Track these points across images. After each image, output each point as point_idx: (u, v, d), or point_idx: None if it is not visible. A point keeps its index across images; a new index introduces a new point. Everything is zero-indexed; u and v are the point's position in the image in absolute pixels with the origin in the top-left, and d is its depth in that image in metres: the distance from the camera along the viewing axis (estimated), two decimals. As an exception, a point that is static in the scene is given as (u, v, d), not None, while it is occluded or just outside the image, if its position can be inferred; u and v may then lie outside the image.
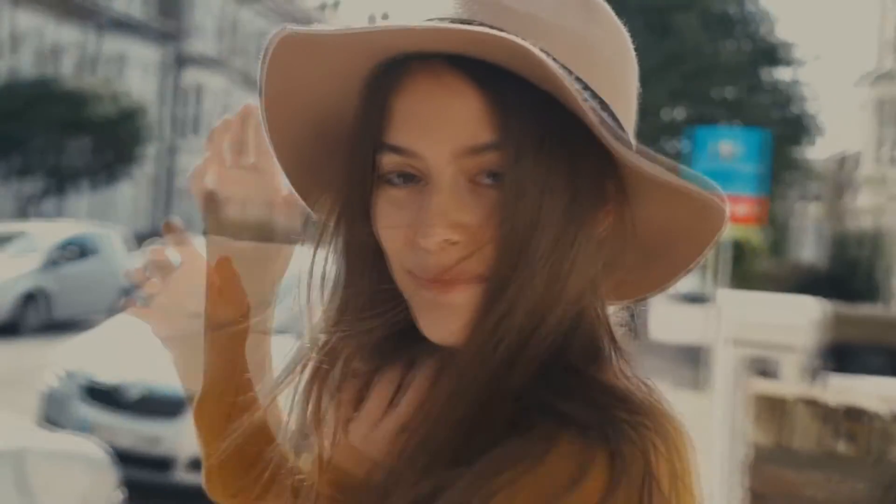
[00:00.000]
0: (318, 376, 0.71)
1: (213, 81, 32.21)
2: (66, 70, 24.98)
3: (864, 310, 10.81)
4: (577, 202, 0.63)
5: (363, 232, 0.69)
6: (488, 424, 0.63)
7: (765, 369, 3.27)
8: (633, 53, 0.73)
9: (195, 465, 5.36)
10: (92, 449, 3.66)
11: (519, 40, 0.58)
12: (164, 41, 30.02)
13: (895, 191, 26.09)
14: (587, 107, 0.59)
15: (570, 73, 0.63)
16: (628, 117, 0.70)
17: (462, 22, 0.64)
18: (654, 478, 0.58)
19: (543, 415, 0.61)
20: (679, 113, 19.22)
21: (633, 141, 0.69)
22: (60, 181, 21.16)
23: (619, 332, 0.71)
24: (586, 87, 0.65)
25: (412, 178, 0.66)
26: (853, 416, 1.90)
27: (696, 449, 0.64)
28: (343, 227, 0.71)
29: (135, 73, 28.88)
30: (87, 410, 5.52)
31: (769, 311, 3.85)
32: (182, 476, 5.33)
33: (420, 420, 0.67)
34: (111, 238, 14.32)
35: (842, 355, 8.26)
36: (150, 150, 26.35)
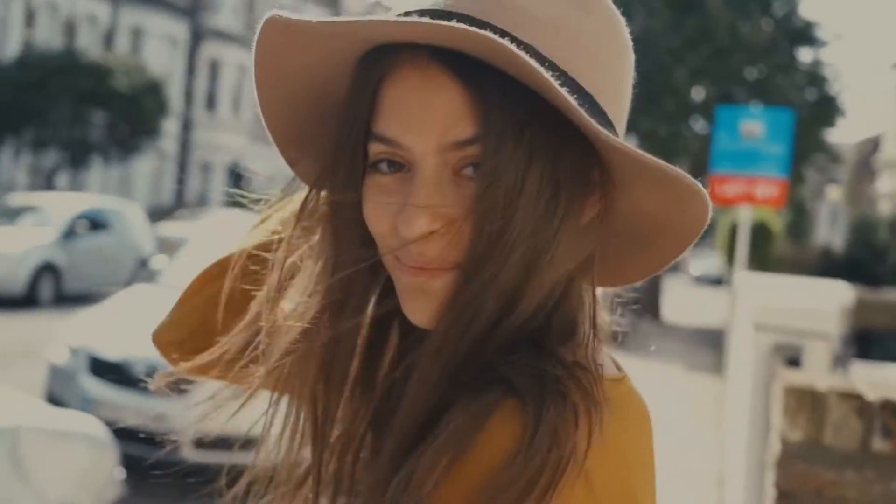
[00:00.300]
0: (307, 361, 0.73)
1: (230, 56, 32.07)
2: (82, 43, 24.89)
3: (886, 295, 10.61)
4: (560, 192, 0.65)
5: (352, 213, 0.70)
6: (454, 397, 0.64)
7: (790, 356, 3.13)
8: (628, 44, 0.73)
9: (201, 443, 5.28)
10: (92, 427, 3.57)
11: (491, 35, 0.58)
12: (181, 15, 29.88)
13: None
14: (565, 94, 0.59)
15: (555, 65, 0.65)
16: (617, 108, 0.71)
17: (449, 14, 0.65)
18: (569, 452, 0.58)
19: (496, 383, 0.63)
20: (702, 92, 18.94)
21: (621, 131, 0.72)
22: (77, 154, 21.13)
23: (601, 318, 0.74)
24: (570, 79, 0.66)
25: (400, 166, 0.68)
26: (891, 411, 1.76)
27: (643, 442, 0.66)
28: (332, 208, 0.72)
29: (152, 46, 28.78)
30: (92, 386, 5.44)
31: (794, 295, 3.70)
32: (188, 454, 5.24)
33: (389, 404, 0.70)
34: (126, 212, 14.28)
35: (862, 341, 8.09)
36: (169, 125, 26.29)
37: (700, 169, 18.57)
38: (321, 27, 0.65)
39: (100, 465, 3.50)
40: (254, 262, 0.83)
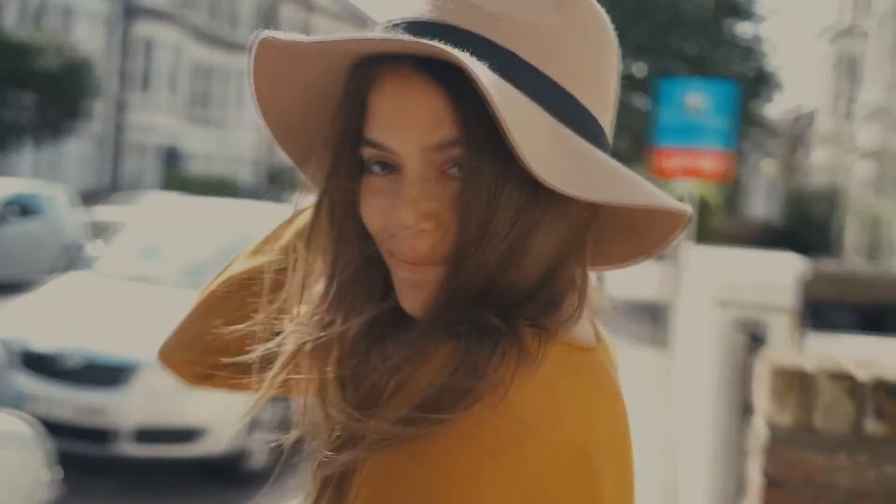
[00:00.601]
0: (318, 359, 0.76)
1: (164, 35, 31.26)
2: (9, 22, 24.00)
3: (825, 266, 10.74)
4: (539, 186, 0.66)
5: (352, 213, 0.75)
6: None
7: (752, 332, 3.04)
8: (612, 39, 0.77)
9: (139, 436, 5.06)
10: (19, 425, 3.34)
11: (450, 50, 0.62)
12: (111, -7, 28.99)
13: (850, 147, 26.26)
14: (507, 119, 0.62)
15: (537, 69, 0.69)
16: (602, 106, 0.74)
17: (433, 24, 0.70)
18: (487, 387, 0.62)
19: (441, 329, 0.68)
20: (642, 68, 18.98)
21: (608, 127, 0.76)
22: (5, 137, 20.39)
23: (593, 298, 0.78)
24: (551, 82, 0.70)
25: (391, 168, 0.72)
26: (884, 391, 1.66)
27: (606, 414, 0.70)
28: (334, 210, 0.77)
29: (82, 25, 27.89)
30: (23, 380, 5.16)
31: (754, 269, 3.62)
32: (125, 448, 5.02)
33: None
34: (55, 197, 13.77)
35: (810, 313, 8.15)
36: (99, 106, 25.56)
37: (640, 145, 18.66)
38: (310, 48, 0.70)
39: (29, 466, 3.28)
40: (268, 279, 0.86)
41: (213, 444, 5.19)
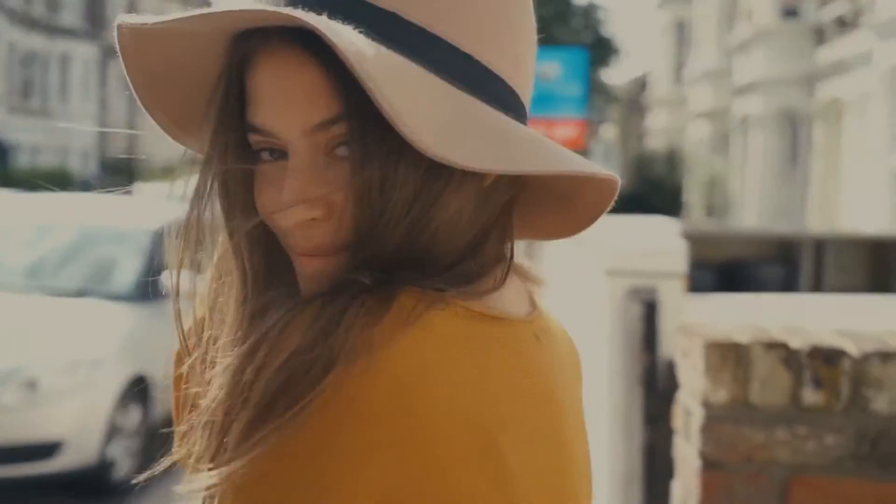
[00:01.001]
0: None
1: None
2: None
3: (682, 226, 11.11)
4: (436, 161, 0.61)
5: (248, 204, 0.69)
6: None
7: (647, 299, 2.99)
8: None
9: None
10: None
11: (299, 15, 0.57)
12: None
13: (686, 110, 27.40)
14: (381, 89, 0.56)
15: (420, 28, 0.63)
16: (509, 62, 0.68)
17: None
18: (338, 352, 0.58)
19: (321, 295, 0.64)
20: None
21: (522, 81, 0.70)
22: None
23: (528, 272, 0.75)
24: (437, 40, 0.64)
25: (279, 153, 0.67)
26: (821, 359, 1.58)
27: (513, 383, 0.64)
28: (224, 197, 0.70)
29: None
30: None
31: (637, 236, 3.59)
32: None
33: None
34: None
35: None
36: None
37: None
38: (153, 29, 0.65)
39: None
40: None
41: (74, 458, 4.88)
